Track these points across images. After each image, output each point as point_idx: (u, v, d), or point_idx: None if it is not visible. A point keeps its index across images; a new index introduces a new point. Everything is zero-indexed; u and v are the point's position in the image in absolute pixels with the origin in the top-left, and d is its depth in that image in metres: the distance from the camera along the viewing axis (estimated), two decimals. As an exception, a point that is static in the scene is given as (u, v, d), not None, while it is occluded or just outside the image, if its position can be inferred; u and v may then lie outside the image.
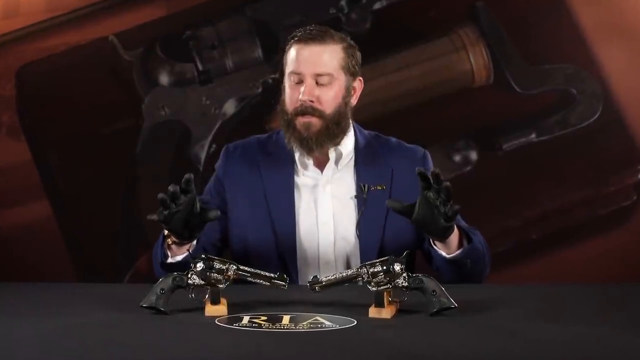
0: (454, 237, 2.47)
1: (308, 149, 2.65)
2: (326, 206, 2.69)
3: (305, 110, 2.62)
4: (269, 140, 2.79)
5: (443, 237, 2.43)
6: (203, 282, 2.19)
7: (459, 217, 2.67)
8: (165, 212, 2.30)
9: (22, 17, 4.17)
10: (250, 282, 2.22)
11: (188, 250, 2.47)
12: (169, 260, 2.50)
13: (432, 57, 4.12)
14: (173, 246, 2.47)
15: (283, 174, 2.71)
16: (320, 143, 2.64)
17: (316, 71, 2.62)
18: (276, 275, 2.21)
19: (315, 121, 2.63)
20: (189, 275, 2.19)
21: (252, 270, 2.22)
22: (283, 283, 2.21)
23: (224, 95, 4.14)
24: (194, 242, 2.48)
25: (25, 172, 4.18)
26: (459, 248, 2.51)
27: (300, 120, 2.63)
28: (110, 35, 4.16)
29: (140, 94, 4.18)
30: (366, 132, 2.80)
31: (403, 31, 4.12)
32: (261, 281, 2.21)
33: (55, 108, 4.18)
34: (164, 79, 4.17)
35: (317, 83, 2.62)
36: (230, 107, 4.14)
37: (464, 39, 4.11)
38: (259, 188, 2.70)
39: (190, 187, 2.29)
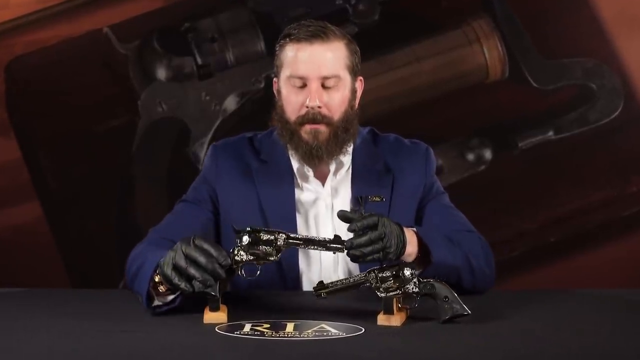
0: (408, 256, 2.34)
1: (317, 159, 2.56)
2: (328, 225, 2.61)
3: (314, 117, 2.53)
4: (262, 145, 2.69)
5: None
6: (252, 258, 2.15)
7: (460, 218, 2.65)
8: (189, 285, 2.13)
9: (12, 8, 4.17)
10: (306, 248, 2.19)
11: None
12: (156, 303, 2.23)
13: (444, 50, 4.12)
14: (161, 288, 2.23)
15: (282, 188, 2.61)
16: (329, 152, 2.56)
17: (322, 73, 2.52)
18: (331, 239, 2.18)
19: (323, 129, 2.54)
20: (235, 252, 2.14)
21: (304, 236, 2.19)
22: (340, 246, 2.17)
23: (224, 91, 4.14)
24: None
25: (15, 171, 4.18)
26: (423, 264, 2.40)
27: (307, 128, 2.54)
28: (104, 27, 4.16)
29: (136, 89, 4.18)
30: (362, 129, 2.71)
31: (413, 23, 4.12)
32: (316, 247, 2.18)
33: (47, 104, 4.18)
34: (162, 73, 4.17)
35: (322, 86, 2.53)
36: (231, 103, 4.14)
37: (477, 31, 4.11)
38: (253, 201, 2.60)
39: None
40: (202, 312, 2.15)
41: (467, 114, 4.12)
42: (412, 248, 2.34)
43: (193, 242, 2.12)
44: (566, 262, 4.11)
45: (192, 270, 2.10)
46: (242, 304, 2.29)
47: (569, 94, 4.13)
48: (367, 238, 2.18)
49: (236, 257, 2.15)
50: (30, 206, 4.20)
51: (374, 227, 2.19)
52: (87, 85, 4.17)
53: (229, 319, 2.14)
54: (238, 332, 2.03)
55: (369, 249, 2.19)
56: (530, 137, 4.12)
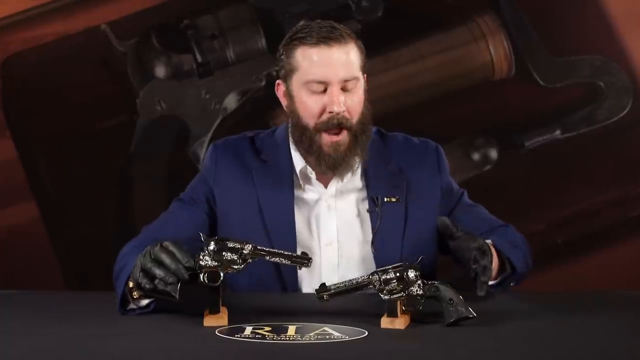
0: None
1: (333, 169, 2.55)
2: (330, 226, 2.60)
3: (339, 122, 2.50)
4: (264, 144, 2.68)
5: None
6: (216, 264, 2.14)
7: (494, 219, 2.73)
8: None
9: (8, 4, 4.17)
10: (272, 261, 2.19)
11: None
12: (131, 306, 2.28)
13: (449, 47, 4.11)
14: (134, 294, 2.26)
15: (281, 188, 2.60)
16: (349, 162, 2.55)
17: (345, 77, 2.50)
18: (298, 254, 2.19)
19: (343, 138, 2.51)
20: (200, 257, 2.14)
21: (271, 249, 2.19)
22: (306, 261, 2.17)
23: (224, 89, 4.14)
24: None
25: (11, 172, 4.17)
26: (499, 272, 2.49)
27: (327, 139, 2.51)
28: (102, 24, 4.16)
29: (134, 87, 4.18)
30: None
31: (418, 19, 4.11)
32: (281, 260, 2.18)
33: (43, 103, 4.18)
34: (161, 71, 4.17)
35: (342, 89, 2.51)
36: (231, 102, 4.14)
37: (483, 28, 4.11)
38: (252, 201, 2.60)
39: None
40: (202, 315, 2.15)
41: (472, 113, 4.12)
42: (495, 262, 2.42)
43: (161, 244, 2.14)
44: (574, 264, 4.10)
45: (156, 270, 2.11)
46: (242, 306, 2.28)
47: (576, 92, 4.13)
48: (489, 265, 2.32)
49: (201, 262, 2.14)
50: (26, 206, 4.19)
51: (485, 252, 2.32)
52: (84, 83, 4.17)
53: (230, 321, 2.14)
54: (239, 335, 2.03)
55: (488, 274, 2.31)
56: (537, 136, 4.12)
